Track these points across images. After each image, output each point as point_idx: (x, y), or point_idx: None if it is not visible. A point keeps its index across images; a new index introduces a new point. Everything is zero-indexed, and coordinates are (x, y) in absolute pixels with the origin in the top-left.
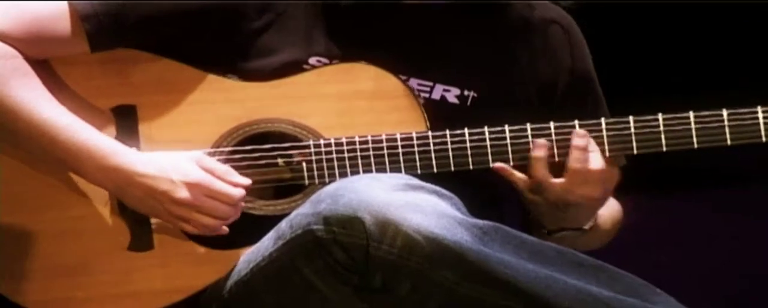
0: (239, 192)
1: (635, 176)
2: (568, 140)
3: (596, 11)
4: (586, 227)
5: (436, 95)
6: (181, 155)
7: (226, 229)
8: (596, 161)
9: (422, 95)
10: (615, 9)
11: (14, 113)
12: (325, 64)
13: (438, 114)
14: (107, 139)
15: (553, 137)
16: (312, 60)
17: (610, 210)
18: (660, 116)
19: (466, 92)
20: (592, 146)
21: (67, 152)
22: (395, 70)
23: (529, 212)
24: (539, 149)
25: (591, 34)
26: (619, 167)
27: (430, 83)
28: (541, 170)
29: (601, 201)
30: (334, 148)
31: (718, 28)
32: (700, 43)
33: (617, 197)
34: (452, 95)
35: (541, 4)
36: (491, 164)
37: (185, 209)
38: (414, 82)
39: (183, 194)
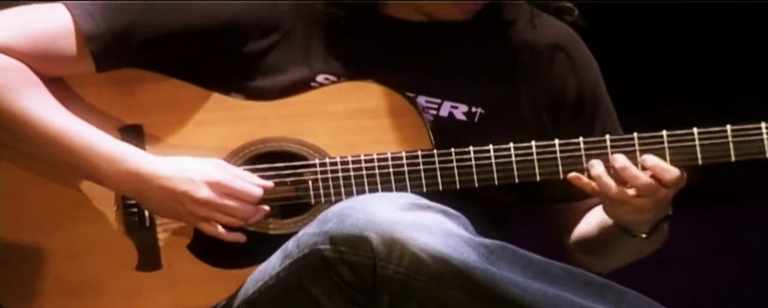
0: (259, 191)
1: None
2: (576, 156)
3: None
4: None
5: (444, 111)
6: (201, 159)
7: (243, 237)
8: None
9: (430, 111)
10: (616, 10)
11: (28, 123)
12: (333, 82)
13: (446, 131)
14: (123, 144)
15: (558, 154)
16: (320, 78)
17: None
18: (664, 133)
19: (473, 109)
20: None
21: (84, 159)
22: (403, 88)
23: (620, 225)
24: (595, 168)
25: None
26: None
27: (438, 100)
28: (611, 186)
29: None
30: (340, 167)
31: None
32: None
33: None
34: (460, 111)
35: (543, 21)
36: (496, 181)
37: (207, 209)
38: (422, 99)
39: (204, 193)
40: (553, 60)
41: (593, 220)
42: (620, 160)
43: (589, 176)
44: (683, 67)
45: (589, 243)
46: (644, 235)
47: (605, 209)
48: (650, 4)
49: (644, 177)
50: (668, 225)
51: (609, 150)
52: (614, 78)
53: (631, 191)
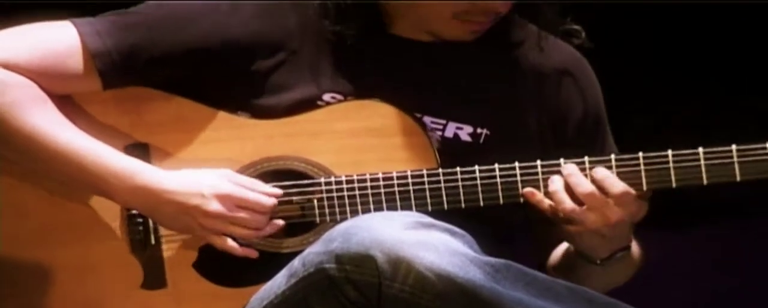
0: (271, 200)
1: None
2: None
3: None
4: (632, 245)
5: (449, 132)
6: (210, 171)
7: (255, 252)
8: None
9: (435, 132)
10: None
11: (37, 139)
12: (340, 101)
13: (451, 152)
14: (132, 159)
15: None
16: (326, 97)
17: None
18: (669, 153)
19: (478, 130)
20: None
21: (94, 175)
22: (409, 108)
23: (576, 248)
24: (553, 183)
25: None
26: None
27: (443, 121)
28: (567, 202)
29: (638, 214)
30: (345, 186)
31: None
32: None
33: None
34: (465, 132)
35: (550, 43)
36: (501, 201)
37: (218, 222)
38: (427, 119)
39: (215, 206)
40: (560, 83)
41: (562, 245)
42: (568, 168)
43: (546, 193)
44: (683, 68)
45: (557, 268)
46: (599, 261)
47: (560, 230)
48: (650, 4)
49: (588, 185)
50: (635, 256)
51: (614, 171)
52: (614, 78)
53: (584, 209)
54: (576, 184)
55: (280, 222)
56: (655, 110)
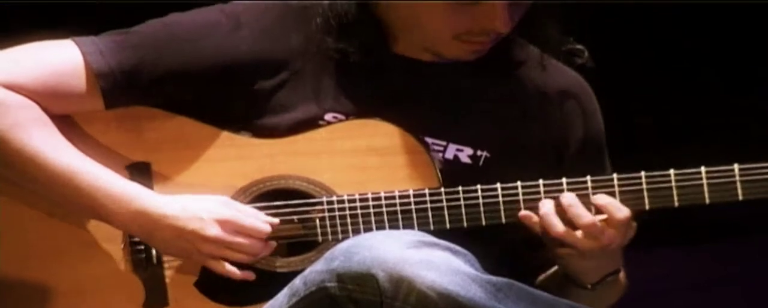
0: (268, 226)
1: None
2: (583, 195)
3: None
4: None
5: (450, 154)
6: (208, 197)
7: (253, 274)
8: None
9: (436, 153)
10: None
11: (37, 162)
12: (341, 121)
13: (451, 173)
14: (132, 183)
15: (566, 193)
16: (328, 116)
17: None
18: (672, 172)
19: (479, 152)
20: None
21: (92, 198)
22: (410, 129)
23: (566, 272)
24: (544, 206)
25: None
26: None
27: (444, 143)
28: (559, 225)
29: (630, 236)
30: (347, 204)
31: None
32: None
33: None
34: (465, 154)
35: (553, 65)
36: (503, 220)
37: (216, 247)
38: (428, 140)
39: (213, 231)
40: (562, 106)
41: (551, 269)
42: (568, 198)
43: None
44: (683, 67)
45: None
46: (590, 286)
47: (551, 253)
48: (651, 4)
49: (589, 217)
50: (623, 280)
51: (616, 190)
52: (614, 78)
53: (577, 233)
54: (577, 216)
55: (273, 244)
56: (655, 110)
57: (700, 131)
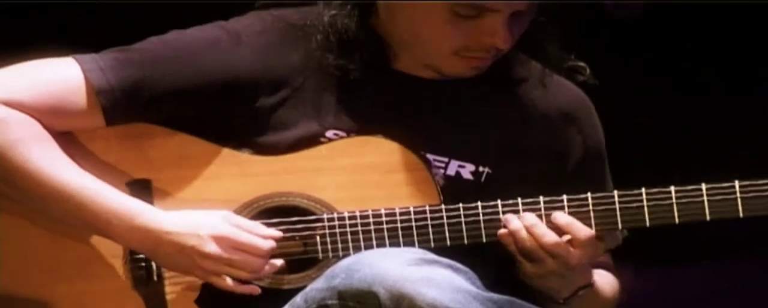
0: (269, 244)
1: (636, 245)
2: (585, 212)
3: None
4: (600, 279)
5: (451, 171)
6: (209, 213)
7: (257, 289)
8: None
9: (438, 170)
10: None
11: (38, 178)
12: (342, 138)
13: (452, 190)
14: (133, 199)
15: (566, 210)
16: (329, 133)
17: (611, 285)
18: (672, 189)
19: (480, 169)
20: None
21: (94, 214)
22: (411, 145)
23: (539, 290)
24: (511, 222)
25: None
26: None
27: (446, 159)
28: (528, 241)
29: (596, 255)
30: (347, 222)
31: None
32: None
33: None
34: (467, 171)
35: (554, 82)
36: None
37: (216, 263)
38: (430, 157)
39: (212, 248)
40: (563, 125)
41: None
42: (528, 218)
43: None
44: (683, 68)
45: None
46: (562, 301)
47: (520, 269)
48: (650, 4)
49: (552, 236)
50: (604, 292)
51: (617, 207)
52: (614, 78)
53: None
54: (540, 236)
55: (279, 262)
56: (655, 110)
57: (700, 131)
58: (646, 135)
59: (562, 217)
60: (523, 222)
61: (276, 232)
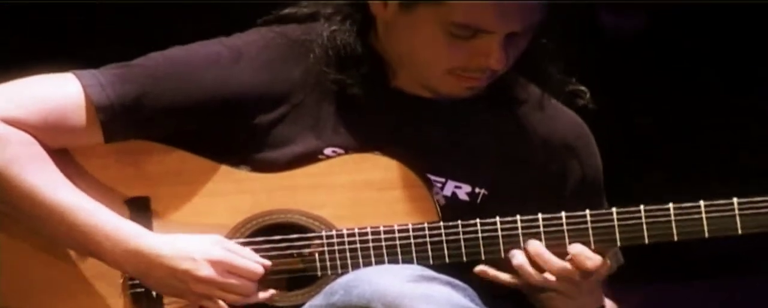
0: (261, 267)
1: (636, 263)
2: (583, 229)
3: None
4: (608, 304)
5: (448, 191)
6: (201, 237)
7: None
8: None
9: (435, 191)
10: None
11: (33, 198)
12: (340, 155)
13: (449, 210)
14: (126, 221)
15: (564, 227)
16: (328, 150)
17: None
18: (671, 206)
19: (477, 190)
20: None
21: (87, 235)
22: (410, 163)
23: None
24: (516, 257)
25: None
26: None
27: (442, 179)
28: (535, 275)
29: (604, 275)
30: (346, 239)
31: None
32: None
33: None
34: (463, 191)
35: (553, 107)
36: (503, 254)
37: (208, 287)
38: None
39: (205, 271)
40: (561, 150)
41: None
42: (534, 246)
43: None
44: (683, 67)
45: None
46: None
47: (531, 298)
48: (650, 4)
49: (557, 262)
50: None
51: (615, 224)
52: (614, 78)
53: (550, 277)
54: (546, 263)
55: (272, 292)
56: (655, 110)
57: (700, 131)
58: (646, 135)
59: (575, 248)
60: (529, 251)
61: (266, 261)
